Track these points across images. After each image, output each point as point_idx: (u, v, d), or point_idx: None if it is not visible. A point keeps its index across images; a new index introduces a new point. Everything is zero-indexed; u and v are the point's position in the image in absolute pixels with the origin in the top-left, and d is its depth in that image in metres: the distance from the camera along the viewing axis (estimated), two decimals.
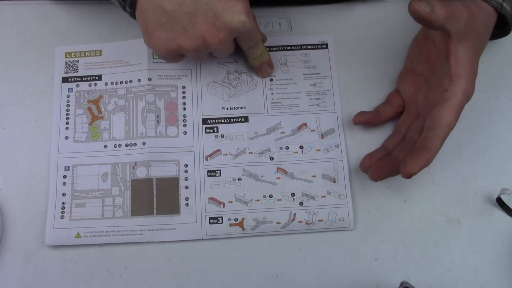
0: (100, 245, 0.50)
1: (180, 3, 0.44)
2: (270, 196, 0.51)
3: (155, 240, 0.50)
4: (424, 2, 0.42)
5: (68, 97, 0.54)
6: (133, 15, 0.47)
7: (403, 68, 0.55)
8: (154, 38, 0.47)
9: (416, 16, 0.42)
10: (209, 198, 0.51)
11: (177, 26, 0.45)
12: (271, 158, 0.53)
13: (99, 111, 0.54)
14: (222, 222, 0.51)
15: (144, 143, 0.52)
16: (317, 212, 0.51)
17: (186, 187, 0.52)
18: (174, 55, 0.48)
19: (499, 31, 0.52)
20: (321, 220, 0.51)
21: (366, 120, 0.52)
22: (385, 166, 0.48)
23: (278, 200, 0.51)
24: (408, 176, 0.44)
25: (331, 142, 0.53)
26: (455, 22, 0.43)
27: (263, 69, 0.55)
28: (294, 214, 0.51)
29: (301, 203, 0.51)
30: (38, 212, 0.51)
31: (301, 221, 0.51)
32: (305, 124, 0.54)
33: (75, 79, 0.55)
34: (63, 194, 0.51)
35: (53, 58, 0.55)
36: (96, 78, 0.55)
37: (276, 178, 0.52)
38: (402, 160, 0.45)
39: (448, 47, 0.45)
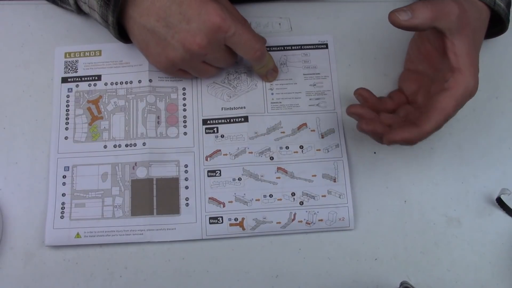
0: (100, 245, 0.50)
1: (157, 19, 0.47)
2: (270, 195, 0.51)
3: (155, 240, 0.50)
4: (403, 10, 0.42)
5: (67, 97, 0.54)
6: (126, 41, 0.52)
7: (404, 69, 0.55)
8: (149, 56, 0.51)
9: (397, 26, 0.43)
10: (209, 198, 0.51)
11: (160, 40, 0.48)
12: (271, 158, 0.53)
13: (99, 111, 0.54)
14: (222, 222, 0.51)
15: (144, 144, 0.52)
16: (317, 212, 0.51)
17: (186, 187, 0.52)
18: (176, 70, 0.51)
19: (495, 30, 0.52)
20: (321, 220, 0.51)
21: (364, 95, 0.50)
22: (375, 123, 0.46)
23: (278, 199, 0.51)
24: (389, 142, 0.44)
25: (331, 142, 0.53)
26: (445, 19, 0.43)
27: (269, 75, 0.55)
28: (294, 214, 0.51)
29: (301, 203, 0.51)
30: (38, 212, 0.51)
31: (301, 221, 0.51)
32: (305, 124, 0.54)
33: (74, 79, 0.55)
34: (62, 194, 0.51)
35: (53, 58, 0.55)
36: (96, 78, 0.55)
37: (276, 178, 0.52)
38: (390, 129, 0.45)
39: (444, 43, 0.45)
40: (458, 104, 0.44)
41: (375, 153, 0.54)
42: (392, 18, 0.43)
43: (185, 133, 0.53)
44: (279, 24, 0.58)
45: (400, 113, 0.50)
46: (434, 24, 0.43)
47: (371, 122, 0.46)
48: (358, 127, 0.46)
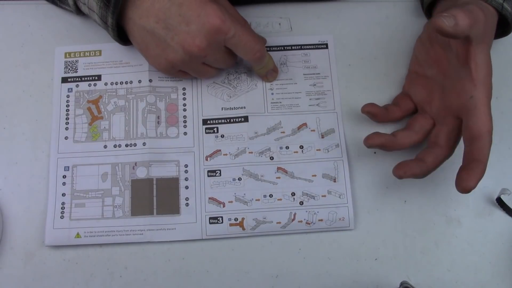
0: (100, 245, 0.50)
1: (157, 21, 0.47)
2: (270, 195, 0.51)
3: (155, 240, 0.50)
4: (446, 15, 0.41)
5: (67, 97, 0.54)
6: (125, 42, 0.52)
7: (411, 71, 0.54)
8: (149, 57, 0.51)
9: (442, 33, 0.41)
10: (209, 198, 0.51)
11: (160, 42, 0.48)
12: (271, 158, 0.53)
13: (99, 111, 0.54)
14: (222, 222, 0.51)
15: (144, 144, 0.52)
16: (317, 212, 0.51)
17: (186, 187, 0.52)
18: (176, 71, 0.51)
19: (499, 31, 0.52)
20: (321, 220, 0.51)
21: (372, 112, 0.51)
22: (413, 165, 0.47)
23: (278, 199, 0.51)
24: (467, 191, 0.44)
25: (331, 142, 0.53)
26: (476, 27, 0.42)
27: (269, 75, 0.55)
28: (294, 214, 0.51)
29: (301, 203, 0.51)
30: (38, 212, 0.51)
31: (301, 221, 0.51)
32: (305, 124, 0.54)
33: (74, 79, 0.55)
34: (62, 194, 0.51)
35: (53, 58, 0.55)
36: (96, 78, 0.55)
37: (276, 178, 0.52)
38: (457, 175, 0.44)
39: (468, 52, 0.44)
40: (491, 115, 0.45)
41: (375, 153, 0.54)
42: (439, 24, 0.41)
43: (185, 133, 0.53)
44: (279, 24, 0.58)
45: (415, 128, 0.50)
46: (469, 32, 0.42)
47: (408, 167, 0.47)
48: (397, 175, 0.47)
